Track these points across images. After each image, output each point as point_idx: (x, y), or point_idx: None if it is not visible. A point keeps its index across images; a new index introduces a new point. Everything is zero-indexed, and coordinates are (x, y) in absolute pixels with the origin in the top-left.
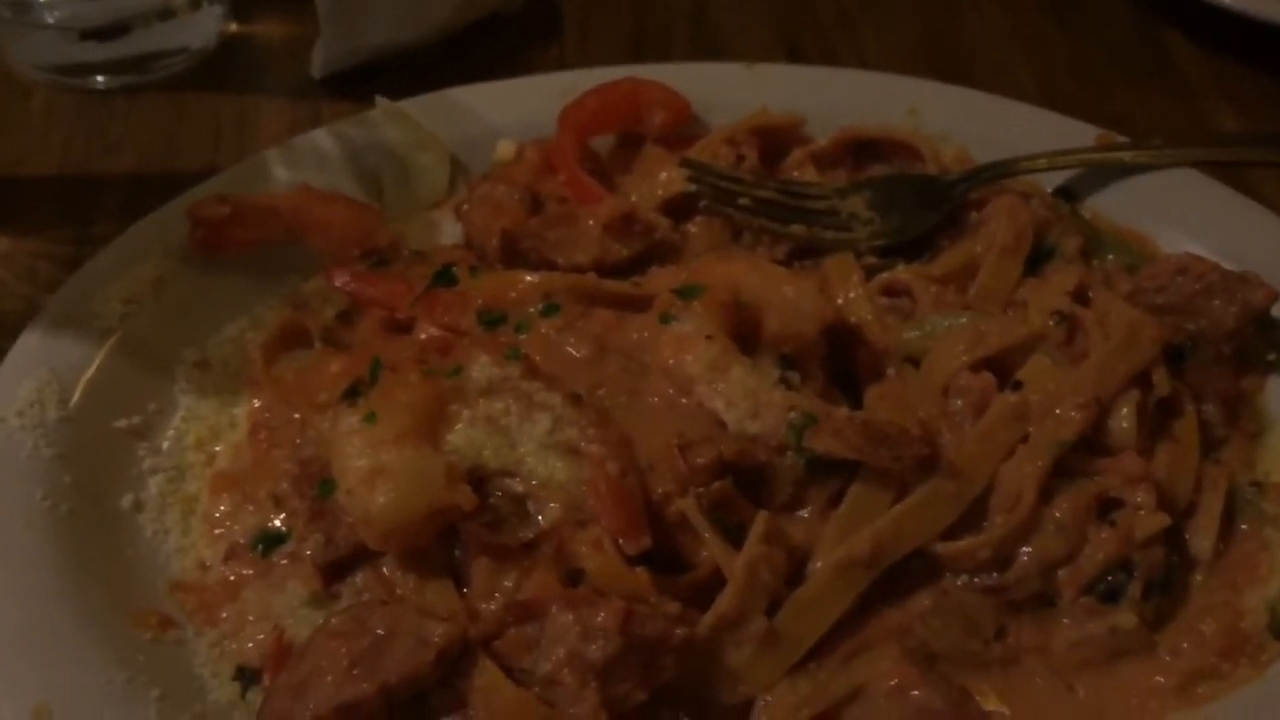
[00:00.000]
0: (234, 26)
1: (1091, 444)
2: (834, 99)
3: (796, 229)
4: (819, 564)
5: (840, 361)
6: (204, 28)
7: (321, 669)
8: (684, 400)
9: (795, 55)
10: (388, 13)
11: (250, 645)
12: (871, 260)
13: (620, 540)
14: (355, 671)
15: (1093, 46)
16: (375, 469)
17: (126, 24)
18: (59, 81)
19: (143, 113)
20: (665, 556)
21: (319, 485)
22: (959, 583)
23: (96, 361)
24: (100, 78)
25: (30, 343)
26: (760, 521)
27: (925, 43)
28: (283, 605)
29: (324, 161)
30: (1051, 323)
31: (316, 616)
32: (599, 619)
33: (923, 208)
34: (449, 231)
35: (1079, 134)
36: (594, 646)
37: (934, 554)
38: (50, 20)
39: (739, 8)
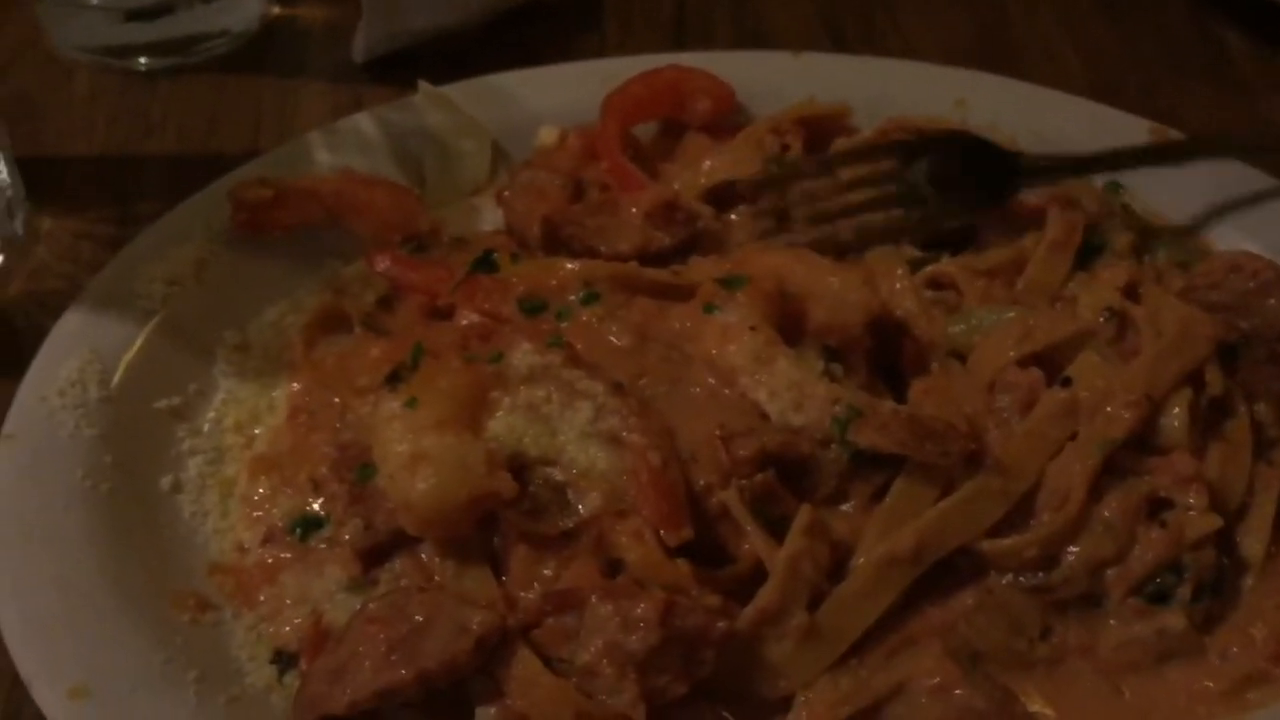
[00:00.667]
0: (276, 10)
1: (1142, 443)
2: (880, 89)
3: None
4: (862, 559)
5: (884, 355)
6: (246, 10)
7: (359, 655)
8: (726, 391)
9: (839, 43)
10: None
11: (288, 629)
12: (916, 253)
13: (661, 531)
14: (393, 658)
15: (1144, 39)
16: (416, 455)
17: (169, 5)
18: (102, 63)
19: (185, 95)
20: (706, 549)
21: (358, 470)
22: (1004, 581)
23: (138, 342)
24: (143, 59)
25: (72, 323)
26: (803, 514)
27: (972, 32)
28: (321, 590)
29: (366, 145)
30: (1101, 319)
31: (354, 602)
32: (639, 610)
33: (983, 188)
34: (490, 218)
35: (1131, 127)
36: (634, 638)
37: (979, 552)
38: (94, 2)
39: None
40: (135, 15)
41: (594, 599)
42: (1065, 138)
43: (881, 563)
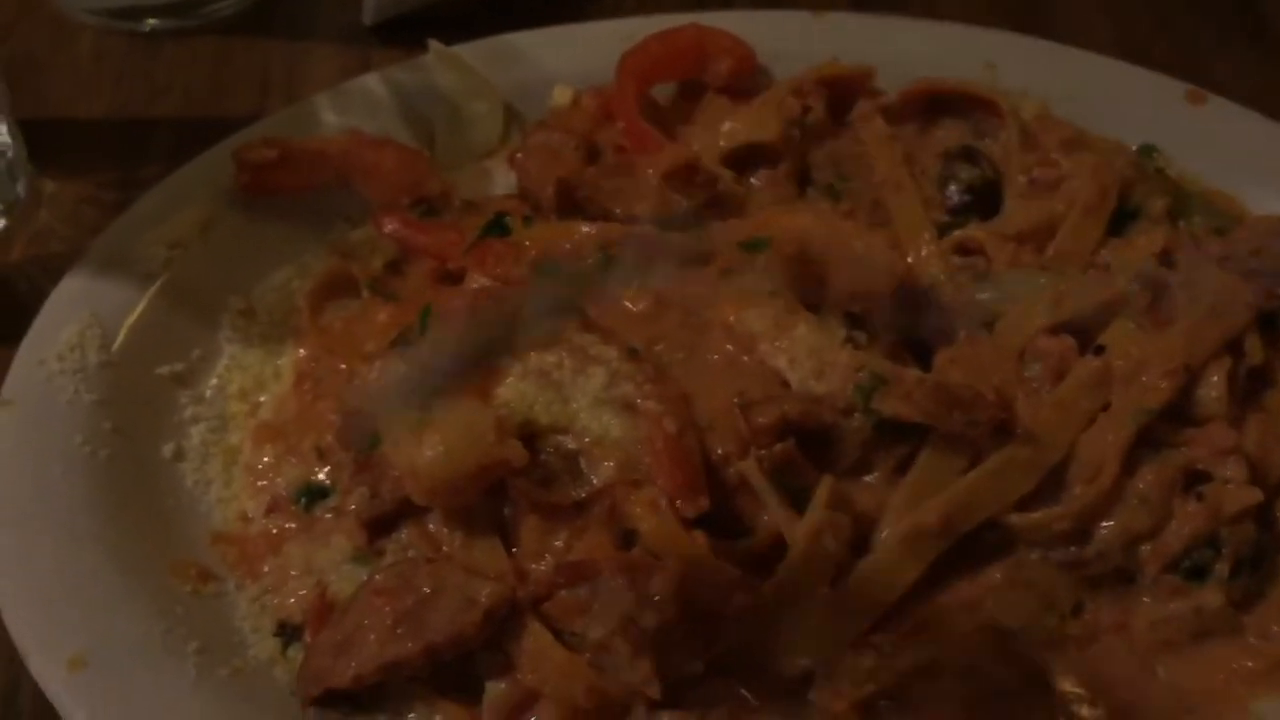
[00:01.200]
0: None
1: (1178, 413)
2: (905, 50)
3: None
4: (886, 532)
5: (908, 322)
6: None
7: (365, 627)
8: (745, 358)
9: (861, 2)
10: None
11: (292, 600)
12: (942, 217)
13: (677, 502)
14: (399, 631)
15: (1179, 11)
16: (424, 424)
17: None
18: (107, 24)
19: (190, 57)
20: (723, 520)
21: (366, 437)
22: (1033, 556)
23: (140, 306)
24: (149, 21)
25: (73, 286)
26: (825, 486)
27: None
28: (325, 560)
29: (374, 107)
30: (1136, 286)
31: (360, 573)
32: (653, 583)
33: None
34: (501, 181)
35: (1166, 90)
36: (648, 612)
37: (1008, 525)
38: None
39: None
40: None
41: (607, 571)
42: (1098, 101)
43: (907, 536)
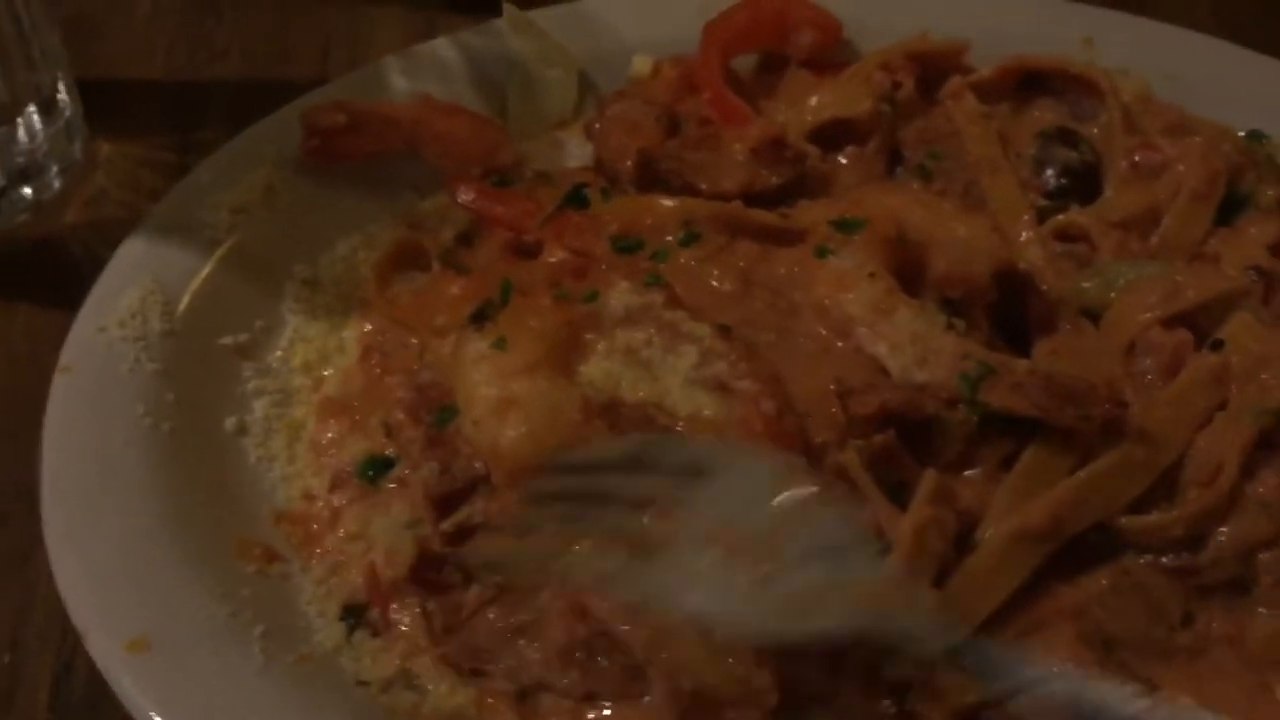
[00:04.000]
0: None
1: None
2: (999, 25)
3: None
4: (990, 531)
5: (1006, 311)
6: None
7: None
8: (840, 343)
9: None
10: None
11: (356, 579)
12: (1039, 201)
13: None
14: None
15: None
16: (506, 399)
17: None
18: None
19: (249, 21)
20: None
21: (437, 413)
22: (1142, 561)
23: (203, 273)
24: None
25: (134, 250)
26: (929, 480)
27: None
28: (379, 527)
29: (445, 72)
30: (1250, 279)
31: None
32: None
33: None
34: (575, 153)
35: (1272, 72)
36: None
37: (1117, 528)
38: None
39: None
40: None
41: None
42: (1201, 83)
43: (1013, 536)
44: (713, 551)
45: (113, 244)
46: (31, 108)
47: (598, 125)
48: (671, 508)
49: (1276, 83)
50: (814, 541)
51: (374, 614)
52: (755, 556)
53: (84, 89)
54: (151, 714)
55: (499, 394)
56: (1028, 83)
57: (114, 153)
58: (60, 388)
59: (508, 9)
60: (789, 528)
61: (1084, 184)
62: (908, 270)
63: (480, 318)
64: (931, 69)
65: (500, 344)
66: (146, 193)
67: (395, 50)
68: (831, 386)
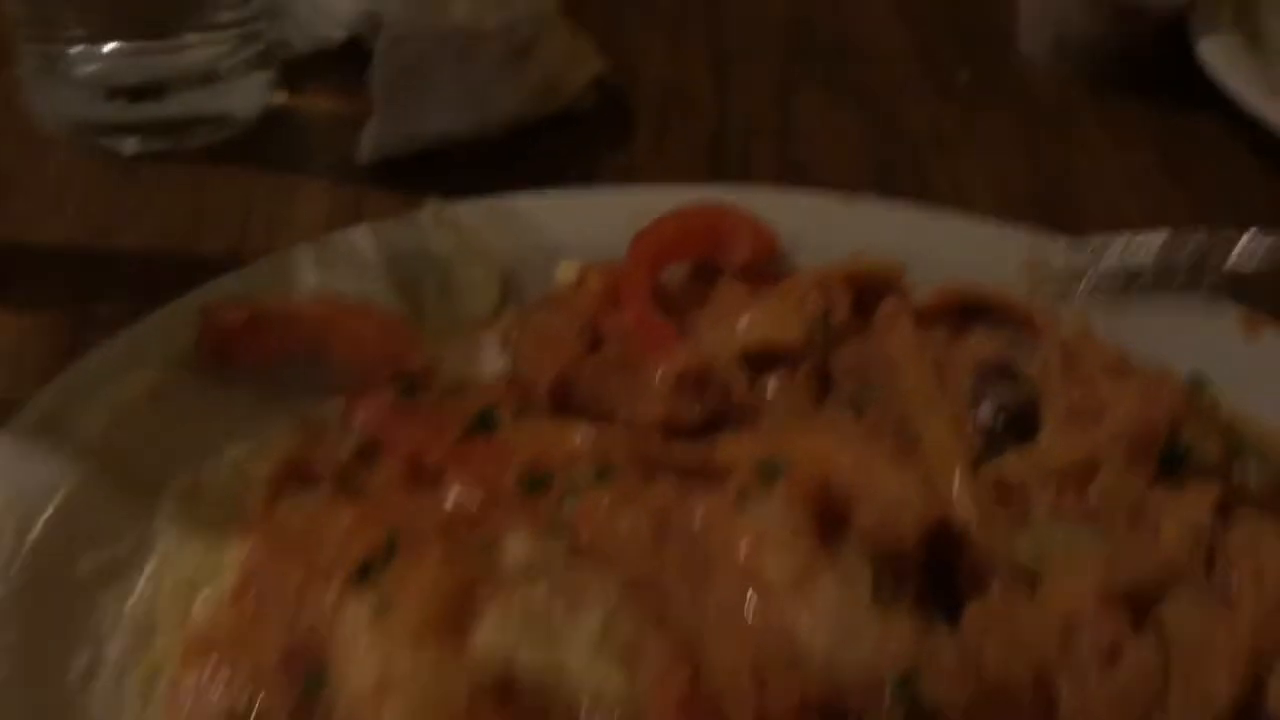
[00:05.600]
0: (281, 97)
1: (1249, 711)
2: (938, 247)
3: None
4: None
5: (938, 570)
6: (249, 96)
7: None
8: (759, 611)
9: (886, 176)
10: (452, 99)
11: None
12: (973, 438)
13: None
14: None
15: (1217, 209)
16: (385, 679)
17: (163, 85)
18: (85, 141)
19: (169, 183)
20: None
21: (312, 676)
22: None
23: (69, 485)
24: (130, 140)
25: None
26: None
27: (1029, 182)
28: None
29: (360, 264)
30: (1191, 549)
31: None
32: None
33: None
34: (493, 358)
35: (1217, 311)
36: None
37: None
38: (81, 74)
39: (827, 122)
40: (122, 93)
41: None
42: (1145, 321)
43: None
44: None
45: None
46: None
47: (515, 335)
48: None
49: (1222, 324)
50: None
51: None
52: None
53: None
54: None
55: (378, 672)
56: (965, 310)
57: (2, 324)
58: None
59: (430, 202)
60: None
61: (1021, 422)
62: (832, 516)
63: (364, 572)
64: (867, 290)
65: (383, 609)
66: (30, 373)
67: (318, 225)
68: (748, 664)
